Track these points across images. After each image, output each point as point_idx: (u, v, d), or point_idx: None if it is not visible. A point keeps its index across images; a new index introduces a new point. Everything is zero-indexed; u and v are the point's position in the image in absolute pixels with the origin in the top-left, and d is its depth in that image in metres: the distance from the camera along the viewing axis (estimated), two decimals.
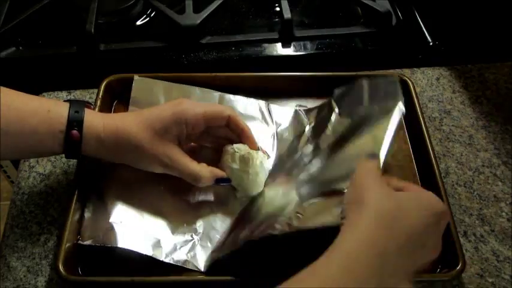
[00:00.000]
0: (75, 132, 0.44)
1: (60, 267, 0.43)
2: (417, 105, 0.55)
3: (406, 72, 0.63)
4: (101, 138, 0.45)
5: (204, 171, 0.47)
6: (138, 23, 0.73)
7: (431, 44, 0.67)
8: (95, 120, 0.45)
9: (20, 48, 0.68)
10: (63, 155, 0.47)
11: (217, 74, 0.57)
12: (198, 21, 0.66)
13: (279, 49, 0.66)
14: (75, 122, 0.44)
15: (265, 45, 0.67)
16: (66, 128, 0.44)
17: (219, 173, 0.48)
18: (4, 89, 0.44)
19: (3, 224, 0.50)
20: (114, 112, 0.58)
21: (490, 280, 0.46)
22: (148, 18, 0.73)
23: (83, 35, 0.65)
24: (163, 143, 0.46)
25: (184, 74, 0.58)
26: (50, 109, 0.44)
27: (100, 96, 0.56)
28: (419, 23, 0.69)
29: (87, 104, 0.46)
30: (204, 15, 0.66)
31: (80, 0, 0.71)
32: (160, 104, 0.53)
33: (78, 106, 0.45)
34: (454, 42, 0.68)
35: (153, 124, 0.45)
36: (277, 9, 0.73)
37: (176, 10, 0.69)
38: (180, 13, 0.68)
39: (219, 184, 0.49)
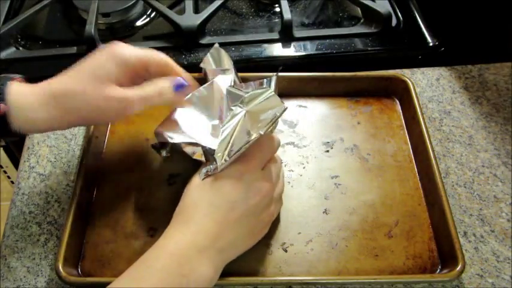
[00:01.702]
0: None
1: (60, 268, 0.43)
2: (417, 105, 0.55)
3: (406, 72, 0.63)
4: (35, 107, 0.42)
5: (131, 92, 0.44)
6: (138, 23, 0.73)
7: (431, 44, 0.67)
8: (23, 90, 0.42)
9: (20, 48, 0.68)
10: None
11: None
12: (198, 22, 0.66)
13: (279, 49, 0.66)
14: None
15: (265, 45, 0.67)
16: None
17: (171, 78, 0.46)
18: None
19: (3, 224, 0.50)
20: None
21: (490, 280, 0.46)
22: (148, 19, 0.73)
23: (83, 36, 0.65)
24: (105, 86, 0.43)
25: None
26: None
27: None
28: (419, 23, 0.69)
29: (16, 78, 0.43)
30: (204, 16, 0.66)
31: (80, 1, 0.71)
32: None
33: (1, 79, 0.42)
34: (454, 42, 0.68)
35: (93, 72, 0.43)
36: (277, 9, 0.73)
37: (176, 11, 0.69)
38: (180, 14, 0.68)
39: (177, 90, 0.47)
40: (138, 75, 0.46)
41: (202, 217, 0.40)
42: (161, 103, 0.46)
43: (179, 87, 0.46)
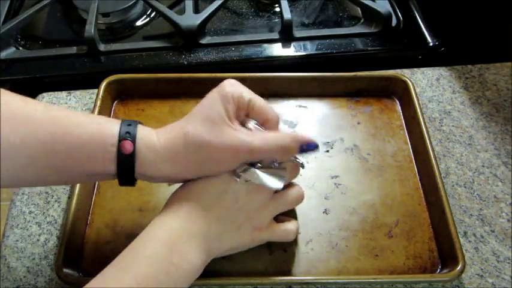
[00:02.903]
0: (127, 142, 0.39)
1: (60, 268, 0.43)
2: (417, 105, 0.55)
3: (406, 72, 0.63)
4: (157, 150, 0.40)
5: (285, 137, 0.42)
6: (138, 23, 0.73)
7: (431, 44, 0.67)
8: (149, 132, 0.41)
9: (20, 48, 0.68)
10: None
11: (217, 74, 0.57)
12: (198, 22, 0.66)
13: (279, 49, 0.66)
14: (127, 132, 0.39)
15: (265, 45, 0.67)
16: (117, 138, 0.39)
17: (299, 137, 0.42)
18: (47, 104, 0.40)
19: (3, 224, 0.50)
20: (113, 112, 0.58)
21: (490, 280, 0.46)
22: (148, 19, 0.73)
23: (83, 36, 0.65)
24: (226, 129, 0.40)
25: (184, 74, 0.59)
26: (100, 122, 0.40)
27: (100, 97, 0.56)
28: (419, 23, 0.69)
29: (139, 122, 0.42)
30: (204, 16, 0.66)
31: (80, 1, 0.71)
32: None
33: (130, 121, 0.41)
34: (454, 42, 0.68)
35: (208, 115, 0.40)
36: (277, 9, 0.73)
37: (176, 11, 0.70)
38: (180, 14, 0.68)
39: (305, 153, 0.43)
40: (240, 114, 0.43)
41: (193, 204, 0.40)
42: (280, 159, 0.43)
43: (305, 151, 0.43)
